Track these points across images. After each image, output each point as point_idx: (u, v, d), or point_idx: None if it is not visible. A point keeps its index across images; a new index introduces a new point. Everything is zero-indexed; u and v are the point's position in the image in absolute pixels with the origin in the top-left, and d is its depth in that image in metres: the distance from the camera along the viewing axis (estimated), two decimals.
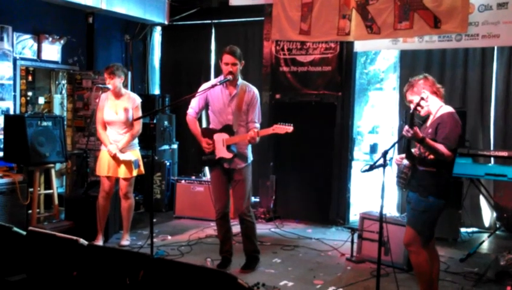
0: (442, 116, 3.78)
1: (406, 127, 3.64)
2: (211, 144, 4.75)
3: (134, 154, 5.53)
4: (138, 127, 5.49)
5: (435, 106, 3.85)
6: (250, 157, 4.92)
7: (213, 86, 4.77)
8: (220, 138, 4.74)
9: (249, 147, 4.89)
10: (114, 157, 5.38)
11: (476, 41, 6.03)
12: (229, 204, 4.96)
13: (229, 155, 4.72)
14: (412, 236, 3.88)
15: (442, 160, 3.71)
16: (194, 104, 4.87)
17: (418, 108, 3.72)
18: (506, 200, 6.08)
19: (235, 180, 4.84)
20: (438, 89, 3.89)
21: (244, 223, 4.90)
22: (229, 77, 4.68)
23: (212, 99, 4.82)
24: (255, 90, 4.88)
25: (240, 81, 4.83)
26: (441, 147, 3.67)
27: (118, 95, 5.48)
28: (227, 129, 4.74)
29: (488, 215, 6.59)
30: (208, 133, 4.83)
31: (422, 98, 3.72)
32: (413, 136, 3.62)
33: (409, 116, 3.70)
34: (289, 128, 4.50)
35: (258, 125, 4.80)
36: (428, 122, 3.90)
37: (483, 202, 6.54)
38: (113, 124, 5.45)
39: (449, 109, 3.82)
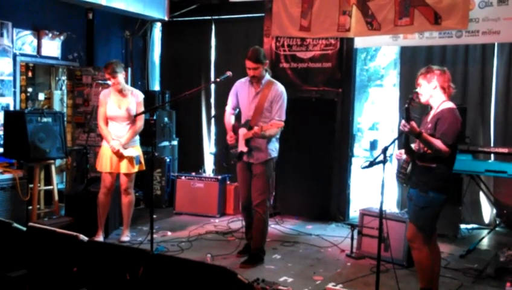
0: (442, 111, 3.78)
1: (403, 121, 3.66)
2: (233, 137, 4.95)
3: (136, 150, 5.54)
4: (140, 123, 5.50)
5: (437, 101, 3.85)
6: (272, 154, 4.96)
7: (212, 83, 4.88)
8: (242, 133, 4.95)
9: (271, 143, 4.94)
10: (117, 153, 5.39)
11: (476, 37, 6.02)
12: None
13: (244, 149, 4.90)
14: (414, 232, 3.89)
15: (441, 155, 3.71)
16: (229, 102, 5.15)
17: (418, 96, 3.83)
18: (506, 197, 6.08)
19: (254, 174, 4.98)
20: (448, 87, 3.86)
21: (255, 216, 5.04)
22: (228, 73, 4.90)
23: (239, 96, 5.05)
24: (279, 88, 4.95)
25: (266, 78, 4.95)
26: (437, 143, 3.67)
27: (121, 90, 5.47)
28: (247, 124, 4.91)
29: (488, 211, 6.59)
30: (236, 127, 5.04)
31: (417, 93, 3.78)
32: (409, 130, 3.63)
33: (405, 110, 3.71)
34: (280, 124, 4.69)
35: (278, 122, 4.75)
36: (429, 117, 3.91)
37: (483, 199, 6.53)
38: (116, 119, 5.44)
39: (450, 104, 3.82)
